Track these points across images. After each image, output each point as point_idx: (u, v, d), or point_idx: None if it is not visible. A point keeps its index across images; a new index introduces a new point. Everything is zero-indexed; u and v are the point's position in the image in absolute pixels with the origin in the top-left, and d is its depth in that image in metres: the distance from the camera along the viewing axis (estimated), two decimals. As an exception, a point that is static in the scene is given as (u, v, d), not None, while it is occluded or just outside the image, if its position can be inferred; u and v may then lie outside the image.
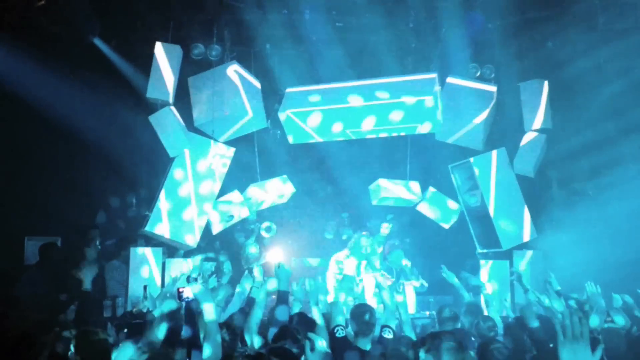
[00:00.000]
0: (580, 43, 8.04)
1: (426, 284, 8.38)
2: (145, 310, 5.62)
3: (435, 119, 7.68)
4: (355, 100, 7.80)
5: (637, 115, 7.89)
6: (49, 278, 6.81)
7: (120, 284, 7.66)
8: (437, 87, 7.82)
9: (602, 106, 8.28)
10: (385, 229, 8.94)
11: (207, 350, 3.73)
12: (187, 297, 4.02)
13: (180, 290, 4.07)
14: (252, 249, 8.69)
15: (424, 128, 7.83)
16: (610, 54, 7.95)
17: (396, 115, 7.73)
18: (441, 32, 8.45)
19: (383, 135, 8.13)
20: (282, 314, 4.95)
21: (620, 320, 4.44)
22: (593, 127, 8.44)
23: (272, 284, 5.34)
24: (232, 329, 4.59)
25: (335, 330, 4.66)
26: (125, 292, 7.48)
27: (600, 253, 7.53)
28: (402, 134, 8.10)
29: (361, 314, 4.74)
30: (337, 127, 7.95)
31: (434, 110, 7.60)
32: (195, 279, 7.44)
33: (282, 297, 5.17)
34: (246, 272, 8.17)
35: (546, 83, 8.39)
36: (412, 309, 8.02)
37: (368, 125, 7.85)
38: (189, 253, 7.98)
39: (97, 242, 8.16)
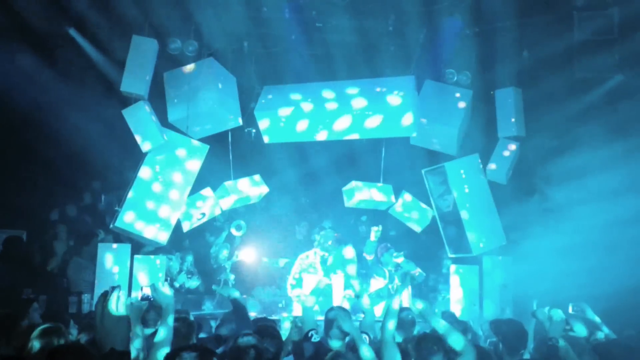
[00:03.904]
0: (555, 52, 8.15)
1: (423, 273, 8.39)
2: None
3: (410, 123, 7.72)
4: (332, 102, 7.81)
5: (610, 125, 8.01)
6: (12, 272, 6.70)
7: (85, 281, 7.54)
8: (414, 91, 7.86)
9: (576, 115, 8.40)
10: (374, 234, 8.51)
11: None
12: (146, 294, 4.06)
13: (144, 289, 4.11)
14: (224, 251, 8.67)
15: (399, 131, 7.87)
16: (585, 64, 8.06)
17: (372, 118, 7.77)
18: (420, 36, 8.49)
19: (358, 137, 8.14)
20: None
21: (581, 330, 4.50)
22: (566, 135, 8.56)
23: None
24: (187, 322, 4.53)
25: (310, 335, 4.65)
26: (91, 289, 7.36)
27: (570, 261, 7.63)
28: (377, 137, 8.13)
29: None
30: (313, 128, 7.94)
31: (410, 114, 7.64)
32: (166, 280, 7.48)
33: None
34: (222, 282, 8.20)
35: (521, 91, 8.49)
36: None
37: (343, 127, 7.86)
38: (157, 250, 7.90)
39: (65, 237, 8.07)
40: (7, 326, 4.37)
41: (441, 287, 9.01)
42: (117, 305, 3.71)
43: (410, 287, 8.21)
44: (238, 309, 5.22)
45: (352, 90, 7.92)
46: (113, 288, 5.08)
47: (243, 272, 8.88)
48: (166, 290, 3.90)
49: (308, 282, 8.04)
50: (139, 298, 4.07)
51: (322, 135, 8.03)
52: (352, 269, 8.17)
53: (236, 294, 5.53)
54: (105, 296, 3.80)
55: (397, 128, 7.80)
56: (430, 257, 9.36)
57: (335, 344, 4.59)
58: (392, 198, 8.44)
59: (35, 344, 3.91)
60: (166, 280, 7.71)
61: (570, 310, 5.04)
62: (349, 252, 8.31)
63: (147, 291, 4.01)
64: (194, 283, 8.57)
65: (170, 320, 3.77)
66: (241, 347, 3.56)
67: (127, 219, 7.45)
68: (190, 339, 4.36)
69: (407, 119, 7.66)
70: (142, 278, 7.45)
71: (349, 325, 4.48)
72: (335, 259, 8.44)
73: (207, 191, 7.99)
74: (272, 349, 4.17)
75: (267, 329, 4.41)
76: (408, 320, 5.49)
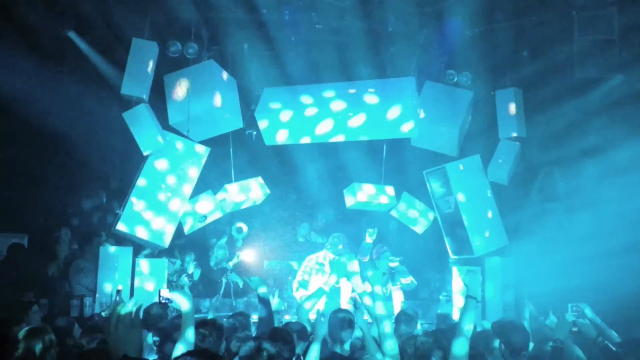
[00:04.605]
0: (555, 52, 8.15)
1: (415, 282, 8.34)
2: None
3: (411, 125, 7.71)
4: (333, 103, 7.80)
5: (612, 126, 8.01)
6: (14, 276, 6.69)
7: (87, 284, 7.51)
8: (415, 93, 7.85)
9: (576, 116, 8.39)
10: (369, 237, 8.47)
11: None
12: (164, 297, 4.01)
13: (162, 292, 4.09)
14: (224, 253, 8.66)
15: (400, 133, 7.86)
16: (585, 64, 8.05)
17: (372, 120, 7.75)
18: (420, 37, 8.48)
19: (360, 139, 8.12)
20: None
21: (591, 331, 4.47)
22: (566, 137, 8.56)
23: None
24: (216, 327, 4.30)
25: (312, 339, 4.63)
26: (93, 293, 7.34)
27: (573, 261, 7.62)
28: (378, 138, 8.12)
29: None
30: (314, 130, 7.92)
31: (410, 116, 7.63)
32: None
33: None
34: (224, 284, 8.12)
35: (521, 92, 8.48)
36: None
37: (344, 129, 7.84)
38: (159, 253, 7.88)
39: (68, 241, 8.04)
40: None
41: (443, 288, 8.99)
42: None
43: (402, 293, 8.23)
44: (265, 306, 5.07)
45: (352, 92, 7.91)
46: (118, 291, 5.06)
47: (244, 274, 8.85)
48: (183, 299, 3.50)
49: (314, 283, 8.01)
50: (158, 301, 4.02)
51: (322, 138, 8.02)
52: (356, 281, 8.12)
53: (263, 289, 5.33)
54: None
55: (397, 129, 7.79)
56: (431, 259, 9.35)
57: (345, 346, 4.61)
58: (393, 199, 8.43)
59: (20, 347, 3.89)
60: (169, 283, 7.70)
61: (569, 311, 5.02)
62: (354, 266, 8.27)
63: (166, 293, 3.95)
64: (197, 273, 8.59)
65: (190, 334, 3.43)
66: (255, 349, 3.43)
67: (128, 221, 7.43)
68: (220, 345, 4.11)
69: (408, 121, 7.66)
70: (144, 281, 7.44)
71: (364, 324, 4.48)
72: (339, 267, 8.35)
73: (208, 194, 7.97)
74: (285, 354, 4.10)
75: (280, 332, 4.33)
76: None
